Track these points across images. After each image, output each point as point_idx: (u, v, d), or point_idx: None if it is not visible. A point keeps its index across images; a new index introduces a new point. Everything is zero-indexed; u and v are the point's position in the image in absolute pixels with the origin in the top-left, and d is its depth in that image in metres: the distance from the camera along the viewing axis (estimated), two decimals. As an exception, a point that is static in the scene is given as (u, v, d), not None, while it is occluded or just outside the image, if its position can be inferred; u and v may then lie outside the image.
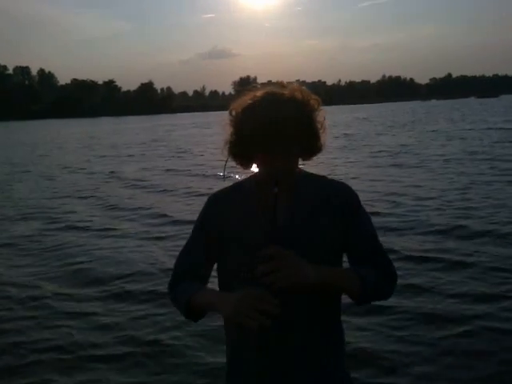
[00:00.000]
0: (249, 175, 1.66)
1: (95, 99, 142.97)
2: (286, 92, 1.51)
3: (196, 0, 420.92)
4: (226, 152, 1.58)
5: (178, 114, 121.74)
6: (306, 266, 1.43)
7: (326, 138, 1.58)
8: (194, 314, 1.58)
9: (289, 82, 1.57)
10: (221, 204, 1.64)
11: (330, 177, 1.67)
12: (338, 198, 1.59)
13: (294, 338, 1.54)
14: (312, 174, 1.66)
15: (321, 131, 1.56)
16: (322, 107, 1.57)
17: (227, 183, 1.69)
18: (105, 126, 61.29)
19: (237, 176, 1.87)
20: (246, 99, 1.53)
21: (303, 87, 1.55)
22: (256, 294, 1.38)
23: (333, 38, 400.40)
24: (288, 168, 1.53)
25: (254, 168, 1.60)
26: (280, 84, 1.55)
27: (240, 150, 1.56)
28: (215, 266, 1.68)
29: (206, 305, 1.53)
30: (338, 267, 1.60)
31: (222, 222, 1.61)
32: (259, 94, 1.52)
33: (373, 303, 1.64)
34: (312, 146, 1.57)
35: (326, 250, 1.55)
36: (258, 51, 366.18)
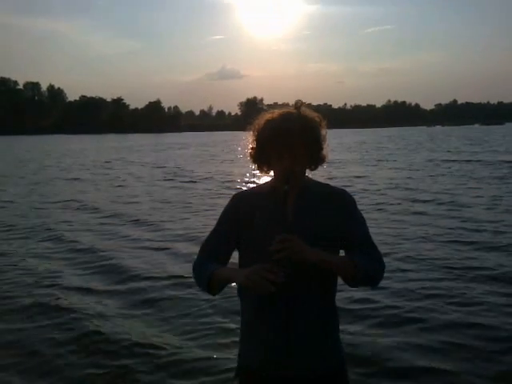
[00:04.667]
0: (267, 181, 2.04)
1: (103, 116, 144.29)
2: (298, 111, 1.92)
3: (205, 22, 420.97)
4: (249, 158, 1.99)
5: (184, 133, 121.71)
6: (307, 248, 1.80)
7: (328, 150, 1.96)
8: (214, 289, 1.94)
9: (298, 103, 1.94)
10: (243, 201, 2.00)
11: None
12: (337, 201, 1.96)
13: (295, 307, 1.89)
14: (318, 181, 2.04)
15: (323, 143, 1.95)
16: (326, 130, 1.96)
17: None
18: (96, 144, 59.01)
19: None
20: (267, 115, 1.93)
21: (310, 108, 1.95)
22: (265, 266, 1.74)
23: (339, 63, 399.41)
24: (296, 171, 1.89)
25: (272, 175, 1.98)
26: (294, 106, 1.94)
27: (258, 155, 1.95)
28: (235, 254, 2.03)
29: (224, 279, 1.90)
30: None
31: (244, 216, 1.95)
32: (277, 111, 1.92)
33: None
34: (316, 155, 1.93)
35: (326, 240, 1.89)
36: (266, 73, 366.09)
